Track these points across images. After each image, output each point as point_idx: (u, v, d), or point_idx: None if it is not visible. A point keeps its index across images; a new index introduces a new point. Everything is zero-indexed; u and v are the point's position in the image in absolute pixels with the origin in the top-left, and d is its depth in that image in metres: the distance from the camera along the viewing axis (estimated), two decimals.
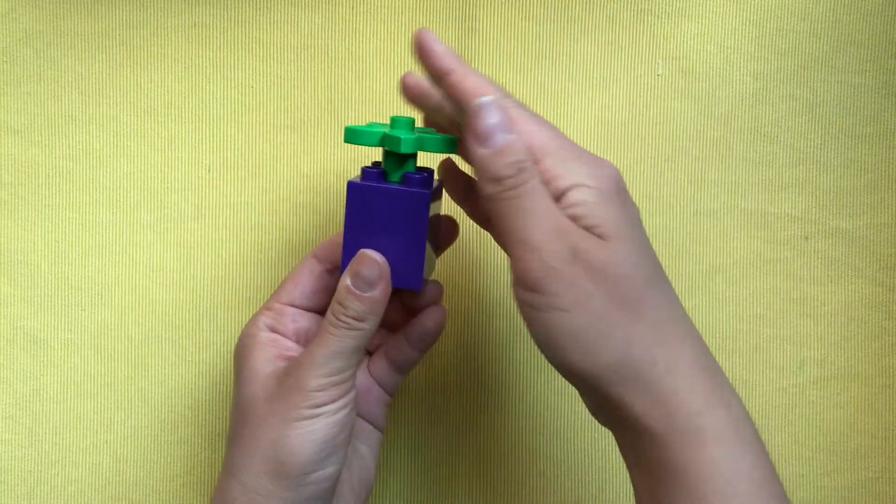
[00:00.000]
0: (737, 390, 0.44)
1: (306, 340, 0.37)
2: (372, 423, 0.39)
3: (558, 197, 0.31)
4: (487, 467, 0.45)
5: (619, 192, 0.32)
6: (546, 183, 0.31)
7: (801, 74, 0.44)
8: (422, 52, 0.34)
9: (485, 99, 0.31)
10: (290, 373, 0.35)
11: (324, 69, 0.44)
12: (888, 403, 0.44)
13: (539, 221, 0.31)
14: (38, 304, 0.44)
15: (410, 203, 0.34)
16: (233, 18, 0.44)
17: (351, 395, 0.35)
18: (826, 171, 0.44)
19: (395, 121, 0.35)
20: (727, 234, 0.44)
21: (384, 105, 0.44)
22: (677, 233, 0.44)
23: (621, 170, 0.44)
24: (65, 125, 0.44)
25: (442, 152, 0.35)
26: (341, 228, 0.44)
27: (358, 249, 0.35)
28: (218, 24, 0.44)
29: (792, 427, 0.44)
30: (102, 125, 0.44)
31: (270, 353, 0.36)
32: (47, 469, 0.45)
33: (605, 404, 0.32)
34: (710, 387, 0.32)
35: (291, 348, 0.37)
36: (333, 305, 0.35)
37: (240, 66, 0.44)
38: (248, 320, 0.38)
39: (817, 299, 0.44)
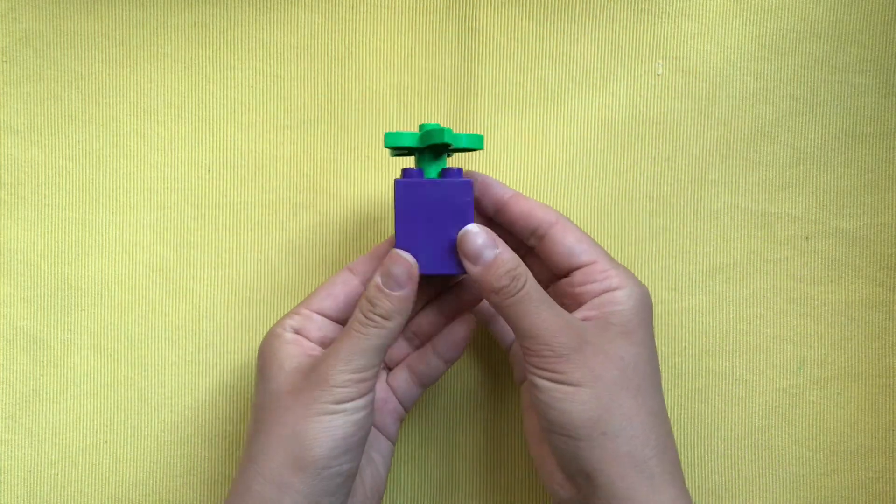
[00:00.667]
0: (737, 390, 0.44)
1: None
2: (385, 435, 0.40)
3: (604, 291, 0.37)
4: (491, 470, 0.45)
5: (648, 306, 0.37)
6: (600, 278, 0.37)
7: (801, 74, 0.44)
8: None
9: (468, 227, 0.36)
10: (314, 367, 0.36)
11: (324, 69, 0.44)
12: (888, 403, 0.44)
13: (542, 318, 0.35)
14: (37, 304, 0.44)
15: (457, 192, 0.37)
16: (233, 18, 0.44)
17: (370, 397, 0.36)
18: (826, 170, 0.44)
19: (424, 126, 0.38)
20: (727, 234, 0.44)
21: (384, 105, 0.44)
22: (677, 233, 0.44)
23: (621, 170, 0.44)
24: (65, 125, 0.44)
25: (473, 147, 0.38)
26: (340, 229, 0.44)
27: (411, 244, 0.37)
28: (218, 24, 0.44)
29: (792, 427, 0.44)
30: (102, 125, 0.44)
31: (295, 350, 0.37)
32: (47, 469, 0.45)
33: (586, 479, 0.35)
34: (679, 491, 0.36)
35: (316, 349, 0.37)
36: (362, 303, 0.36)
37: (240, 66, 0.44)
38: (252, 325, 0.39)
39: (817, 299, 0.44)
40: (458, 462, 0.45)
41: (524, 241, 0.39)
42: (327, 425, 0.35)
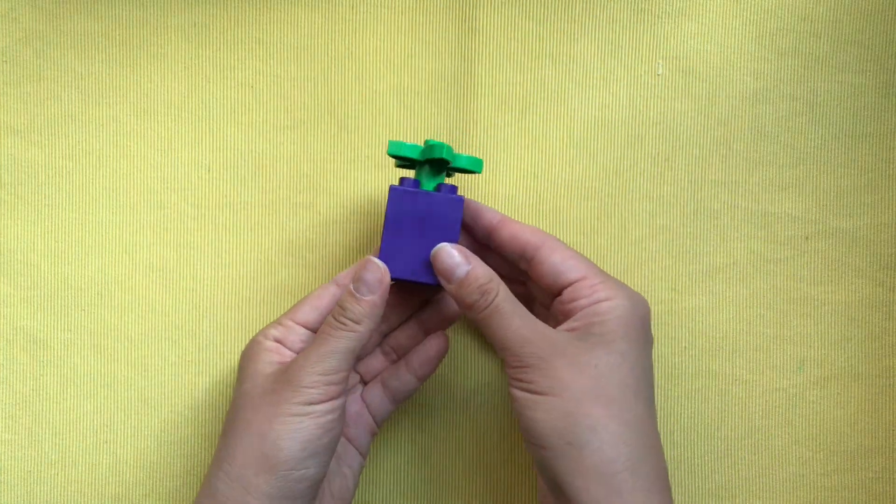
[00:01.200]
0: (737, 390, 0.44)
1: None
2: (357, 449, 0.40)
3: (591, 304, 0.37)
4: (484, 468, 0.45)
5: (640, 317, 0.37)
6: (587, 293, 0.37)
7: (801, 74, 0.44)
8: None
9: (441, 244, 0.38)
10: (285, 370, 0.36)
11: (324, 69, 0.44)
12: (888, 403, 0.44)
13: (511, 330, 0.36)
14: (37, 304, 0.45)
15: (448, 207, 0.38)
16: (233, 18, 0.44)
17: (340, 402, 0.36)
18: (826, 170, 0.44)
19: (428, 142, 0.39)
20: (727, 234, 0.44)
21: (384, 105, 0.44)
22: (677, 233, 0.44)
23: (621, 170, 0.44)
24: (65, 125, 0.44)
25: (472, 169, 0.39)
26: (340, 229, 0.44)
27: (395, 250, 0.38)
28: (218, 24, 0.44)
29: (792, 427, 0.44)
30: (102, 125, 0.44)
31: (273, 357, 0.38)
32: (47, 469, 0.45)
33: (558, 491, 0.35)
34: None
35: (293, 357, 0.38)
36: (335, 308, 0.37)
37: (240, 66, 0.44)
38: (252, 325, 0.39)
39: (817, 299, 0.44)
40: (444, 464, 0.45)
41: (517, 265, 0.40)
42: (295, 426, 0.35)
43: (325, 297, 0.39)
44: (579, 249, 0.44)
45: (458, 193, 0.39)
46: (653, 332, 0.43)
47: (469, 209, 0.40)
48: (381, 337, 0.42)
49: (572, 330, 0.36)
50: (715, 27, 0.44)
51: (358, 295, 0.37)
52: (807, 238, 0.44)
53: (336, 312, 0.37)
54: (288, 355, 0.38)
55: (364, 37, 0.44)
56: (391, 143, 0.38)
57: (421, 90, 0.44)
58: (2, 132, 0.44)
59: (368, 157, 0.44)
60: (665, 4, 0.44)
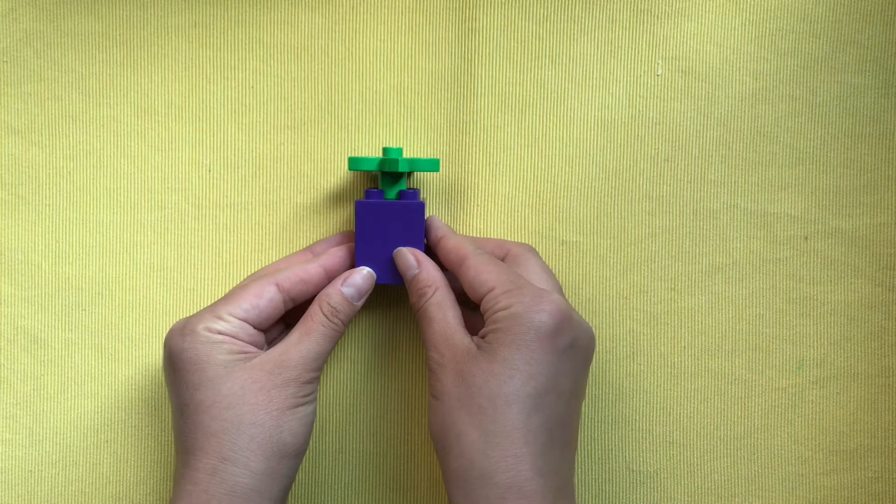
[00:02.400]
0: (736, 390, 0.44)
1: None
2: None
3: (494, 313, 0.37)
4: None
5: (536, 324, 0.36)
6: (491, 304, 0.38)
7: (800, 74, 0.44)
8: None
9: (398, 249, 0.42)
10: (283, 365, 0.39)
11: (324, 69, 0.44)
12: (888, 403, 0.44)
13: (434, 329, 0.39)
14: (38, 303, 0.45)
15: (410, 213, 0.41)
16: (233, 18, 0.44)
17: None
18: (826, 171, 0.44)
19: (386, 150, 0.42)
20: (727, 234, 0.44)
21: (384, 105, 0.44)
22: (677, 233, 0.44)
23: (620, 169, 0.44)
24: (65, 125, 0.44)
25: (429, 171, 0.42)
26: (340, 228, 0.44)
27: (368, 257, 0.42)
28: (218, 24, 0.44)
29: (792, 427, 0.44)
30: (102, 125, 0.45)
31: (233, 347, 0.39)
32: (47, 469, 0.45)
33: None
34: None
35: (251, 348, 0.39)
36: (325, 307, 0.40)
37: (240, 66, 0.44)
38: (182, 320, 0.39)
39: (817, 299, 0.44)
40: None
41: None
42: (303, 414, 0.39)
43: (265, 298, 0.40)
44: (579, 249, 0.44)
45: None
46: (648, 332, 0.42)
47: (427, 224, 0.43)
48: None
49: (483, 337, 0.38)
50: (714, 27, 0.44)
51: (351, 301, 0.41)
52: (806, 238, 0.44)
53: (328, 312, 0.40)
54: (242, 345, 0.39)
55: (364, 37, 0.44)
56: (350, 160, 0.42)
57: (421, 90, 0.44)
58: (2, 132, 0.44)
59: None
60: (664, 4, 0.44)
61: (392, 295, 0.45)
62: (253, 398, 0.37)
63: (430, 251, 0.43)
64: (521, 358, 0.36)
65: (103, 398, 0.45)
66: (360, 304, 0.41)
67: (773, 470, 0.44)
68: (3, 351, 0.45)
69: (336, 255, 0.42)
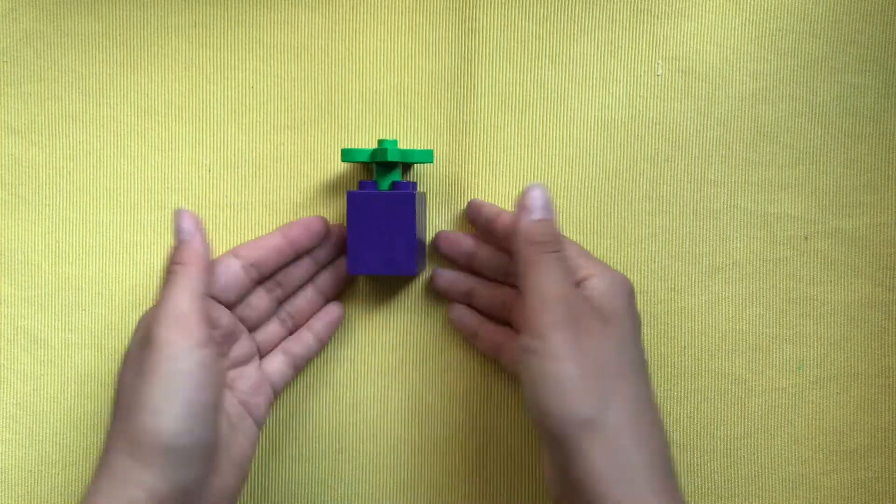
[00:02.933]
0: (736, 390, 0.44)
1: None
2: (254, 419, 0.40)
3: (579, 282, 0.38)
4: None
5: (627, 294, 0.38)
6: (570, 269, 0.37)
7: (800, 74, 0.44)
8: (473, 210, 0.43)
9: (536, 184, 0.38)
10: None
11: (324, 69, 0.44)
12: (888, 403, 0.44)
13: (556, 283, 0.36)
14: (38, 303, 0.45)
15: (400, 203, 0.41)
16: (233, 18, 0.44)
17: None
18: (826, 171, 0.44)
19: (381, 141, 0.42)
20: (727, 235, 0.44)
21: (384, 105, 0.44)
22: (677, 233, 0.44)
23: (620, 170, 0.44)
24: (65, 125, 0.45)
25: (423, 162, 0.42)
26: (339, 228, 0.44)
27: (361, 248, 0.41)
28: (218, 24, 0.44)
29: (792, 427, 0.44)
30: (102, 125, 0.45)
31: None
32: (47, 469, 0.45)
33: (568, 463, 0.34)
34: (666, 483, 0.35)
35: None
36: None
37: (240, 66, 0.44)
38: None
39: (817, 299, 0.44)
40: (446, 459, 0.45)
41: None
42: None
43: (233, 273, 0.40)
44: None
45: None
46: (648, 332, 0.42)
47: (471, 207, 0.43)
48: (277, 304, 0.43)
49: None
50: (714, 27, 0.44)
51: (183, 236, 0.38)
52: (806, 238, 0.44)
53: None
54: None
55: (364, 37, 0.44)
56: (343, 152, 0.41)
57: (421, 90, 0.44)
58: (2, 132, 0.44)
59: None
60: (664, 4, 0.44)
61: (392, 294, 0.45)
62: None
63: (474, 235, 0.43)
64: (632, 334, 0.38)
65: (103, 398, 0.44)
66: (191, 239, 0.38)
67: (773, 470, 0.44)
68: (3, 351, 0.45)
69: (299, 223, 0.42)
